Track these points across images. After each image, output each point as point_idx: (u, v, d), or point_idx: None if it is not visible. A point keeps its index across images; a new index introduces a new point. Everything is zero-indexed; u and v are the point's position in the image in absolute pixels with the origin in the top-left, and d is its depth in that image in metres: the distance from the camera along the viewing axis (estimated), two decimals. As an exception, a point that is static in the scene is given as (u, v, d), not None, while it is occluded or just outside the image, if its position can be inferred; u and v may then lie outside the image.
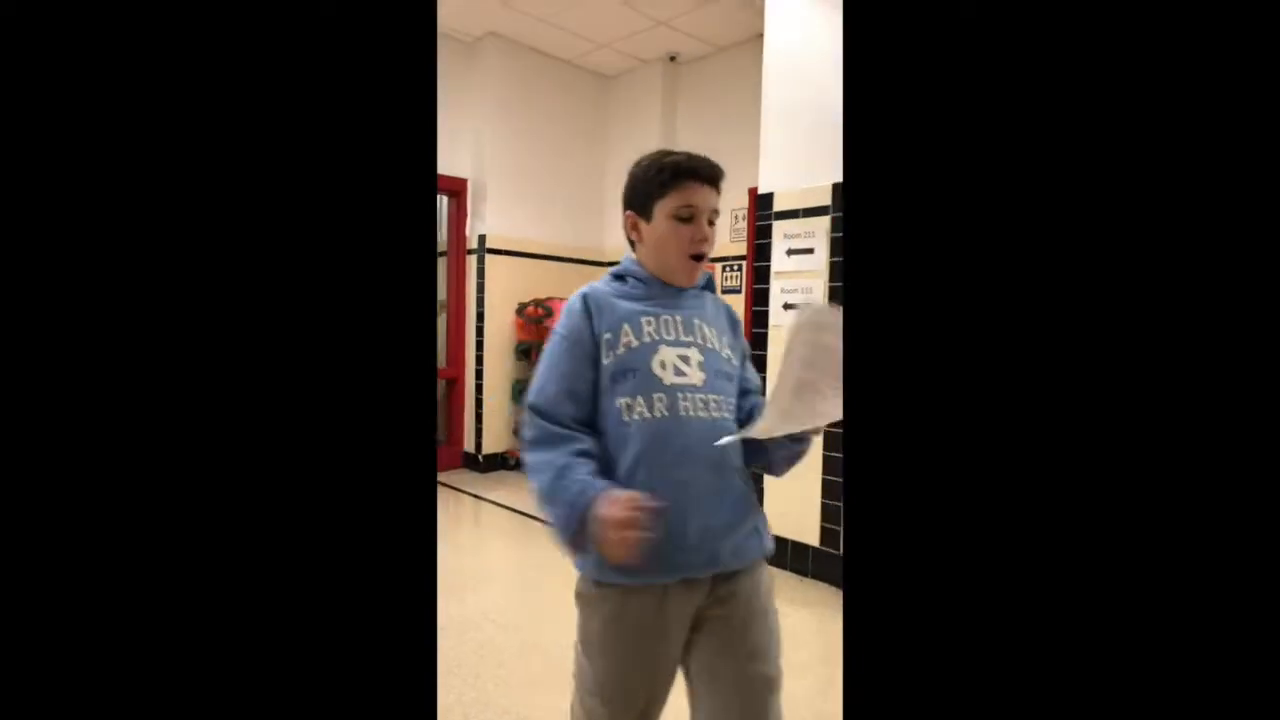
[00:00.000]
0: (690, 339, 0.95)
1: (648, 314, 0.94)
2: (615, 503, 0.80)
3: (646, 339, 0.92)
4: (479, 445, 4.41)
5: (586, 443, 0.90)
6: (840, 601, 2.48)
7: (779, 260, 2.76)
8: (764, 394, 1.00)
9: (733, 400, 0.97)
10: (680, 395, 0.90)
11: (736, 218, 4.24)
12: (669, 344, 0.93)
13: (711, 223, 0.96)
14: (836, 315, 0.72)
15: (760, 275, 2.85)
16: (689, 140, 4.52)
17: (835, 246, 2.60)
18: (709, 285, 1.05)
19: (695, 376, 0.92)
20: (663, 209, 0.95)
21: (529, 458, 0.91)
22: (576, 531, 0.83)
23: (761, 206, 2.83)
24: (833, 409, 0.79)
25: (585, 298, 0.96)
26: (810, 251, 2.67)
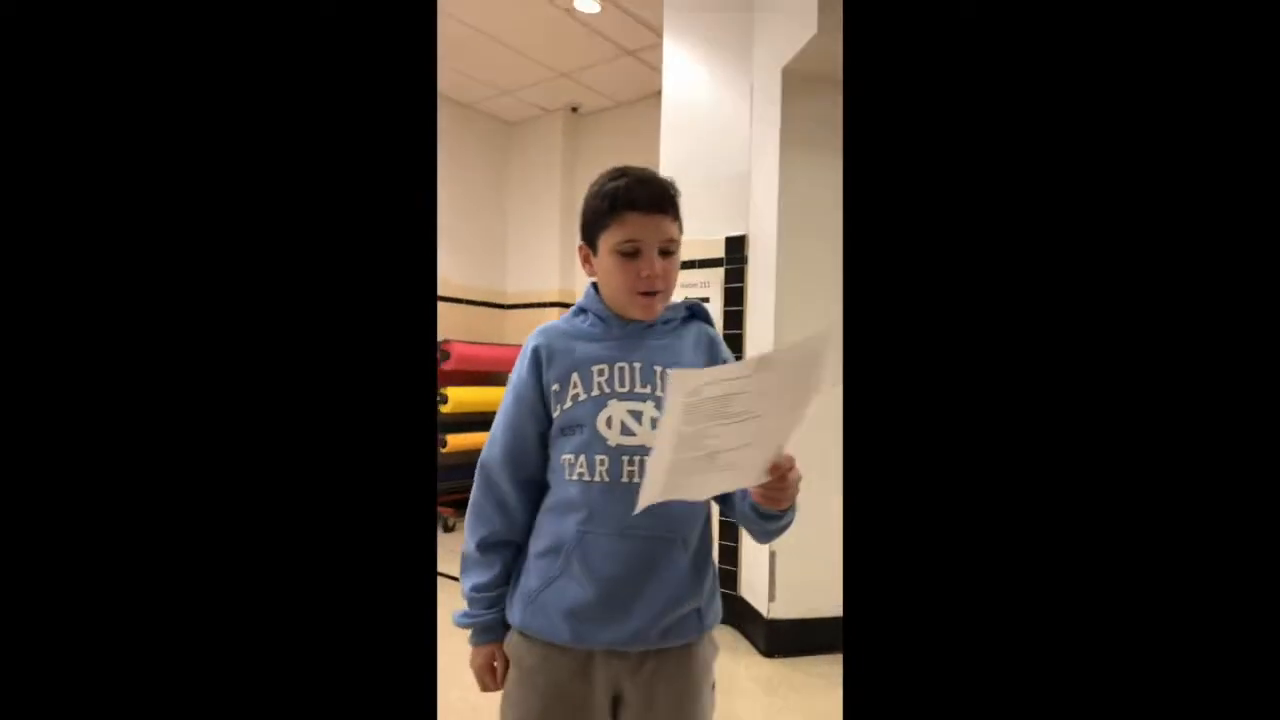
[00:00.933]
0: (646, 390, 0.85)
1: (601, 361, 0.86)
2: (480, 656, 0.91)
3: (595, 391, 0.84)
4: (368, 493, 4.20)
5: (510, 519, 0.90)
6: (735, 640, 2.51)
7: (677, 307, 2.85)
8: None
9: None
10: (625, 459, 0.83)
11: (636, 265, 4.34)
12: (620, 397, 0.84)
13: (667, 253, 0.86)
14: (716, 372, 0.66)
15: (659, 321, 2.92)
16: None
17: (729, 296, 2.72)
18: (696, 314, 0.95)
19: (645, 435, 0.83)
20: (606, 243, 0.85)
21: (468, 516, 0.91)
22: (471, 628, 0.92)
23: (660, 255, 2.92)
24: (740, 475, 0.73)
25: (536, 348, 0.88)
26: (706, 300, 2.78)
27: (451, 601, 0.89)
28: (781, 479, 0.74)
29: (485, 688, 0.91)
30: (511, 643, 0.89)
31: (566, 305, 4.63)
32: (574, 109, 4.64)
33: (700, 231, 2.79)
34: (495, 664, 0.90)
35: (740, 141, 2.73)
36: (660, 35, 3.08)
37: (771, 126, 2.51)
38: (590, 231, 0.88)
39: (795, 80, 2.45)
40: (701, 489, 0.77)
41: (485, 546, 0.90)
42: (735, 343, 2.68)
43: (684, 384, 0.64)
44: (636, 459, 0.83)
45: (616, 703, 0.86)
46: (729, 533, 2.66)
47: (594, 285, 0.93)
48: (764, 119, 2.59)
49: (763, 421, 0.69)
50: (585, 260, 0.91)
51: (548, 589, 0.84)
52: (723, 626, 2.61)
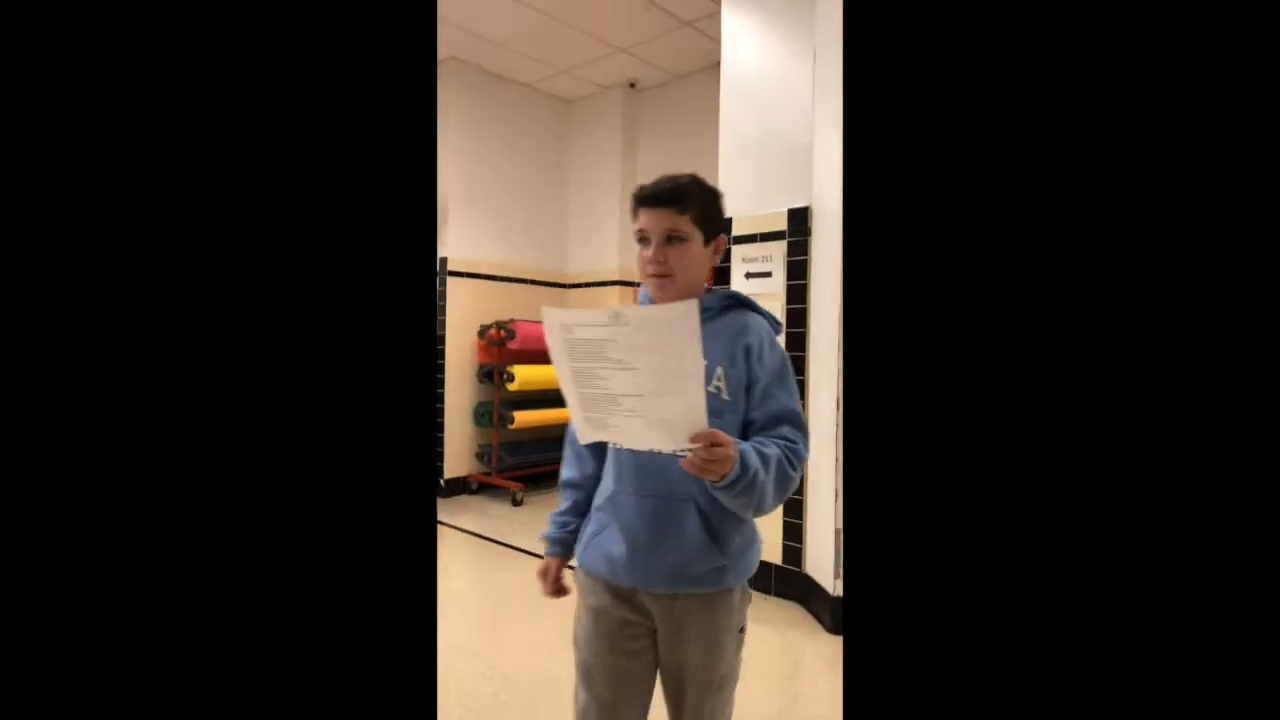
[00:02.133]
0: None
1: None
2: (543, 564, 1.14)
3: None
4: (440, 470, 4.36)
5: (583, 483, 1.13)
6: (800, 618, 2.51)
7: (738, 283, 2.82)
8: (793, 422, 1.00)
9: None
10: None
11: (697, 241, 4.31)
12: None
13: (676, 239, 0.98)
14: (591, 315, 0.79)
15: (720, 297, 2.89)
16: (648, 165, 4.58)
17: (792, 270, 2.67)
18: (741, 303, 1.05)
19: None
20: (633, 235, 1.04)
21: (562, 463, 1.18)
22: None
23: (721, 230, 2.89)
24: (662, 432, 0.83)
25: None
26: (768, 275, 2.73)
27: (522, 572, 0.92)
28: (706, 450, 0.83)
29: (543, 591, 1.14)
30: (576, 575, 1.12)
31: (626, 284, 4.64)
32: (632, 84, 4.60)
33: (762, 205, 2.74)
34: (552, 573, 1.13)
35: (802, 111, 2.65)
36: (719, 3, 3.01)
37: (835, 93, 2.43)
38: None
39: (860, 44, 2.35)
40: (629, 436, 0.89)
41: (562, 485, 1.17)
42: (799, 317, 2.63)
43: (556, 320, 0.82)
44: (649, 449, 0.95)
45: (655, 632, 1.05)
46: (792, 509, 2.64)
47: None
48: (827, 86, 2.51)
49: (644, 376, 0.79)
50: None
51: (598, 535, 1.05)
52: (789, 603, 2.62)
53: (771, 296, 2.71)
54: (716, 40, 3.03)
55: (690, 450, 0.83)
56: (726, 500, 0.91)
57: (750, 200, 2.79)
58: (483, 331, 4.35)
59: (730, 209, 2.87)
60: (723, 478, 0.85)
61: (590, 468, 1.12)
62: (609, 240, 4.68)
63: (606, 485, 1.06)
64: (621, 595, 1.03)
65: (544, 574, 1.14)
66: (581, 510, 1.12)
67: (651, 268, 0.99)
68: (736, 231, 2.83)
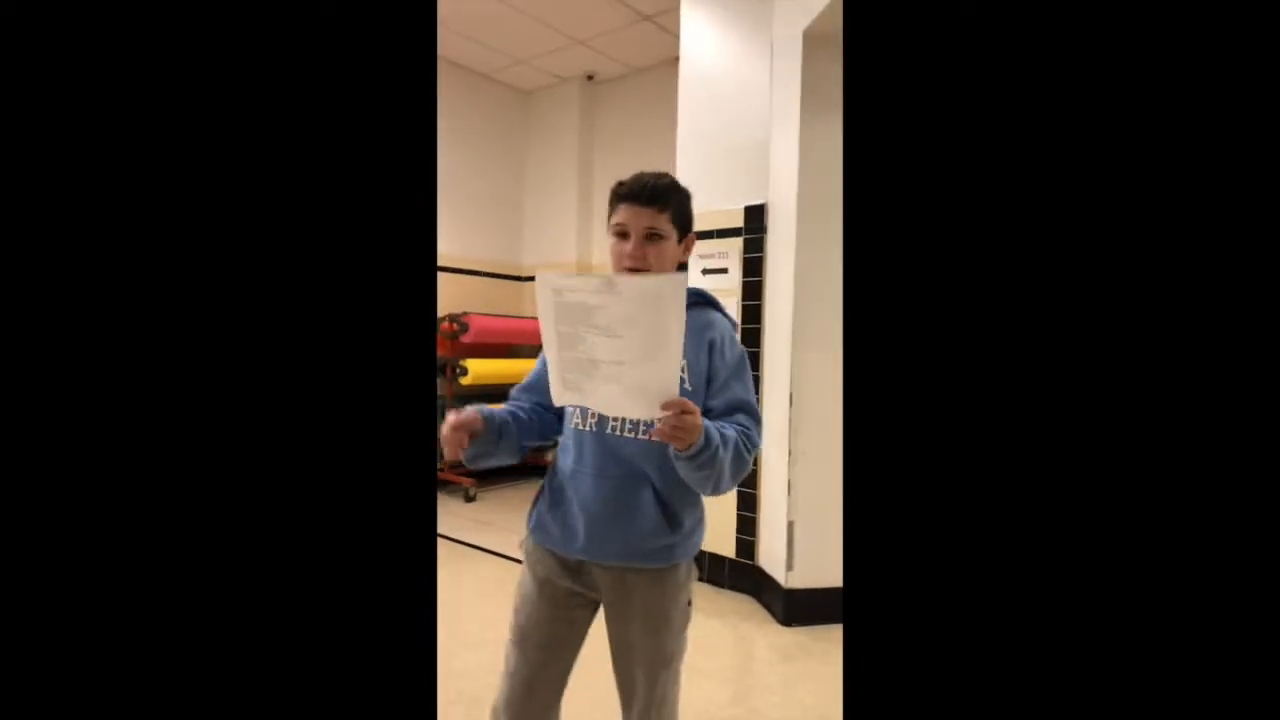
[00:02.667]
0: None
1: None
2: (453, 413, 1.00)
3: None
4: (391, 464, 4.27)
5: (516, 411, 1.09)
6: (753, 611, 2.54)
7: (695, 279, 2.83)
8: (748, 412, 1.05)
9: None
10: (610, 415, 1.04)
11: (654, 235, 4.32)
12: None
13: (655, 237, 1.04)
14: (568, 281, 0.83)
15: (677, 292, 2.90)
16: (606, 156, 4.56)
17: (747, 267, 2.69)
18: (704, 300, 1.12)
19: None
20: (609, 228, 1.08)
21: None
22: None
23: (678, 225, 2.89)
24: (634, 399, 0.86)
25: None
26: (724, 271, 2.75)
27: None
28: (676, 418, 0.86)
29: (446, 428, 1.00)
30: (525, 548, 1.14)
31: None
32: (590, 77, 4.57)
33: (719, 201, 2.76)
34: (460, 427, 0.99)
35: (760, 107, 2.68)
36: (678, -1, 3.01)
37: (792, 91, 2.46)
38: (608, 219, 1.09)
39: (817, 43, 2.39)
40: (604, 401, 0.92)
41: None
42: (754, 314, 2.66)
43: (549, 283, 0.85)
44: (621, 416, 1.02)
45: (597, 604, 1.10)
46: (746, 503, 2.68)
47: None
48: (784, 83, 2.54)
49: (627, 344, 0.82)
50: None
51: (555, 510, 1.08)
52: (741, 595, 2.65)
53: (727, 293, 2.74)
54: (676, 35, 3.03)
55: (659, 419, 0.86)
56: (688, 471, 0.94)
57: (707, 196, 2.80)
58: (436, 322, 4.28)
59: (687, 204, 2.89)
60: (689, 446, 0.89)
61: (525, 414, 1.10)
62: (566, 231, 4.65)
63: (565, 464, 1.08)
64: (569, 567, 1.08)
65: (449, 423, 1.01)
66: (508, 421, 1.06)
67: (629, 262, 1.03)
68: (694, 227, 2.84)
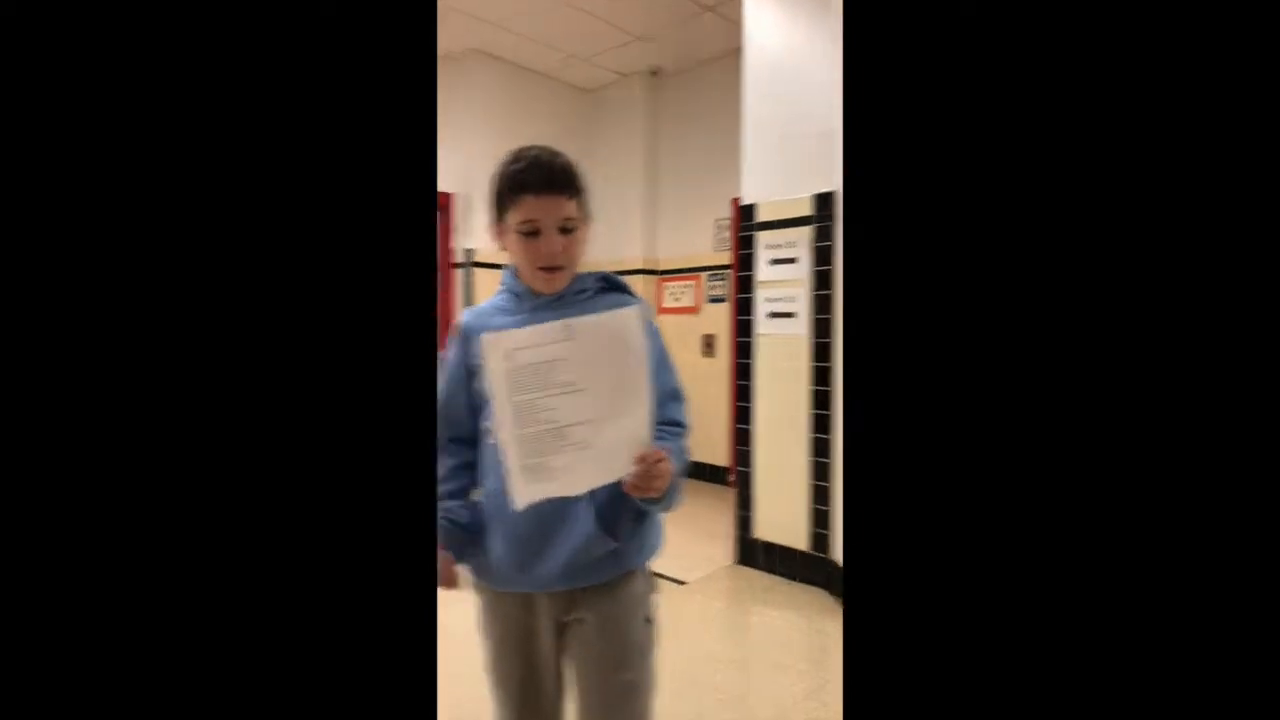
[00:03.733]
0: None
1: None
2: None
3: None
4: (468, 459, 4.40)
5: (449, 462, 0.98)
6: (829, 604, 2.50)
7: (763, 270, 2.81)
8: (678, 398, 0.97)
9: None
10: None
11: (720, 227, 4.29)
12: None
13: (568, 230, 0.91)
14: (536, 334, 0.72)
15: (744, 285, 2.89)
16: (672, 152, 4.57)
17: (818, 256, 2.65)
18: (613, 285, 1.00)
19: None
20: (510, 223, 0.92)
21: None
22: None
23: (745, 217, 2.87)
24: (605, 461, 0.77)
25: (460, 326, 1.00)
26: (793, 261, 2.72)
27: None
28: (648, 470, 0.79)
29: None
30: (475, 586, 1.01)
31: (650, 273, 4.63)
32: (653, 72, 4.58)
33: (786, 190, 2.72)
34: (442, 572, 0.94)
35: (826, 92, 2.62)
36: (740, -12, 2.98)
37: (860, 76, 2.40)
38: (498, 212, 0.94)
39: (885, 24, 2.32)
40: (575, 480, 0.79)
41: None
42: (825, 304, 2.61)
43: (498, 346, 0.72)
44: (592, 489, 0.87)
45: (564, 629, 0.97)
46: (821, 496, 2.64)
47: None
48: (852, 68, 2.48)
49: (594, 398, 0.73)
50: (498, 237, 0.97)
51: (487, 543, 0.94)
52: (815, 589, 2.61)
53: (796, 283, 2.70)
54: (738, 24, 3.00)
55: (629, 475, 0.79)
56: (653, 509, 0.89)
57: (774, 186, 2.77)
58: (508, 322, 4.38)
59: (754, 195, 2.88)
60: (661, 493, 0.82)
61: (449, 460, 0.99)
62: (632, 230, 4.68)
63: (488, 484, 0.94)
64: (516, 601, 0.96)
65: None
66: (460, 483, 0.98)
67: (544, 260, 0.91)
68: (760, 218, 2.81)
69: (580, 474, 0.80)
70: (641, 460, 0.79)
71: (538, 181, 0.89)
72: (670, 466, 0.82)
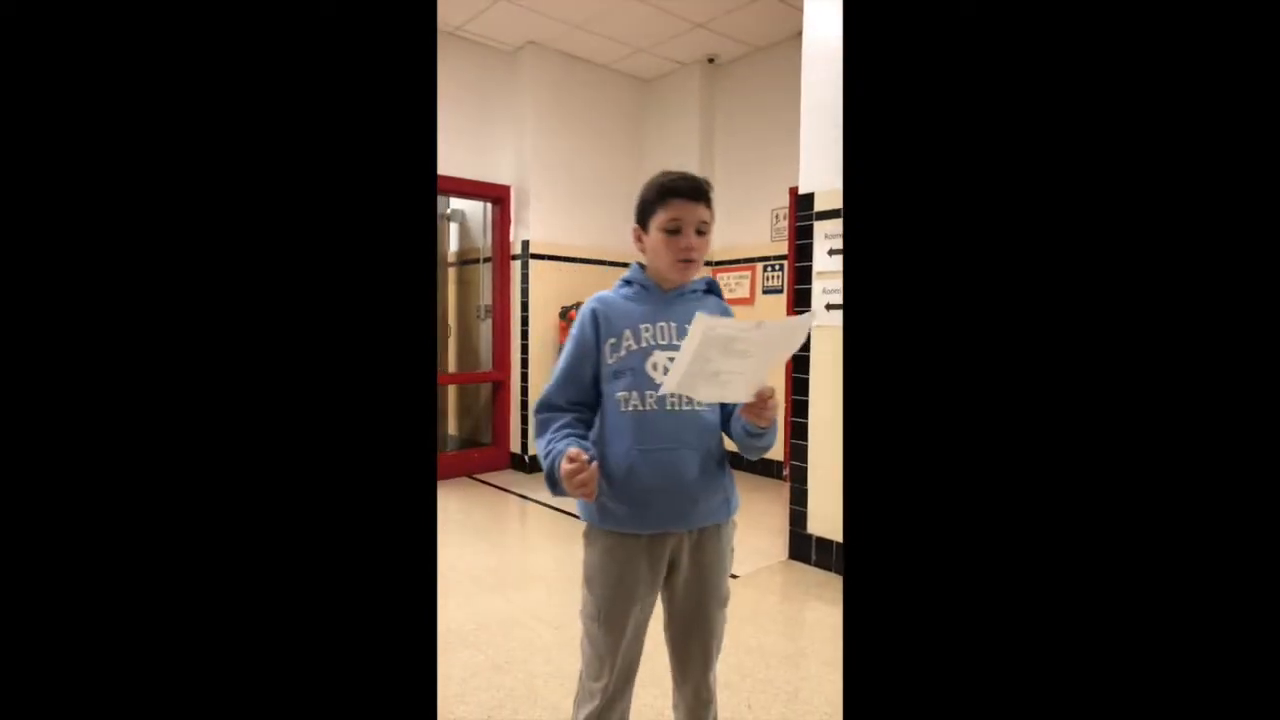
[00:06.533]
0: (679, 342, 1.13)
1: (646, 320, 1.17)
2: (568, 460, 1.03)
3: (644, 344, 1.15)
4: (525, 446, 4.49)
5: (570, 415, 1.16)
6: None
7: (820, 260, 2.75)
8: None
9: None
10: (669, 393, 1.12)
11: (777, 217, 4.22)
12: (662, 348, 1.15)
13: (701, 232, 1.15)
14: (733, 327, 0.92)
15: (802, 275, 2.83)
16: (728, 140, 4.51)
17: (878, 245, 2.58)
18: (712, 289, 1.26)
19: None
20: (656, 223, 1.16)
21: (537, 440, 1.17)
22: (554, 483, 1.08)
23: (802, 207, 2.82)
24: (732, 392, 1.02)
25: (594, 311, 1.20)
26: (852, 250, 2.65)
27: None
28: (763, 403, 1.04)
29: (583, 494, 1.03)
30: (590, 534, 1.19)
31: (705, 263, 4.60)
32: (710, 60, 4.53)
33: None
34: (583, 471, 1.02)
35: (889, 78, 2.54)
36: (800, -29, 2.91)
37: (925, 58, 2.31)
38: (643, 216, 1.19)
39: (953, 4, 2.23)
40: (705, 395, 1.06)
41: (544, 421, 1.16)
42: (884, 295, 2.54)
43: (705, 321, 0.91)
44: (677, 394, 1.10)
45: (671, 567, 1.18)
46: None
47: (640, 265, 1.25)
48: (916, 51, 2.39)
49: (750, 362, 0.97)
50: (638, 239, 1.21)
51: (622, 493, 1.12)
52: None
53: (855, 273, 2.63)
54: (798, 9, 2.93)
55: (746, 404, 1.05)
56: (756, 444, 1.13)
57: (834, 174, 2.71)
58: (564, 313, 4.43)
59: (812, 184, 2.81)
60: (771, 421, 1.07)
61: (567, 417, 1.15)
62: (687, 219, 4.65)
63: (616, 450, 1.12)
64: (641, 546, 1.14)
65: (580, 478, 1.03)
66: (577, 431, 1.13)
67: (683, 253, 1.15)
68: (819, 207, 2.75)
69: (713, 395, 1.06)
70: (760, 395, 1.03)
71: (685, 189, 1.14)
72: (778, 402, 1.05)
